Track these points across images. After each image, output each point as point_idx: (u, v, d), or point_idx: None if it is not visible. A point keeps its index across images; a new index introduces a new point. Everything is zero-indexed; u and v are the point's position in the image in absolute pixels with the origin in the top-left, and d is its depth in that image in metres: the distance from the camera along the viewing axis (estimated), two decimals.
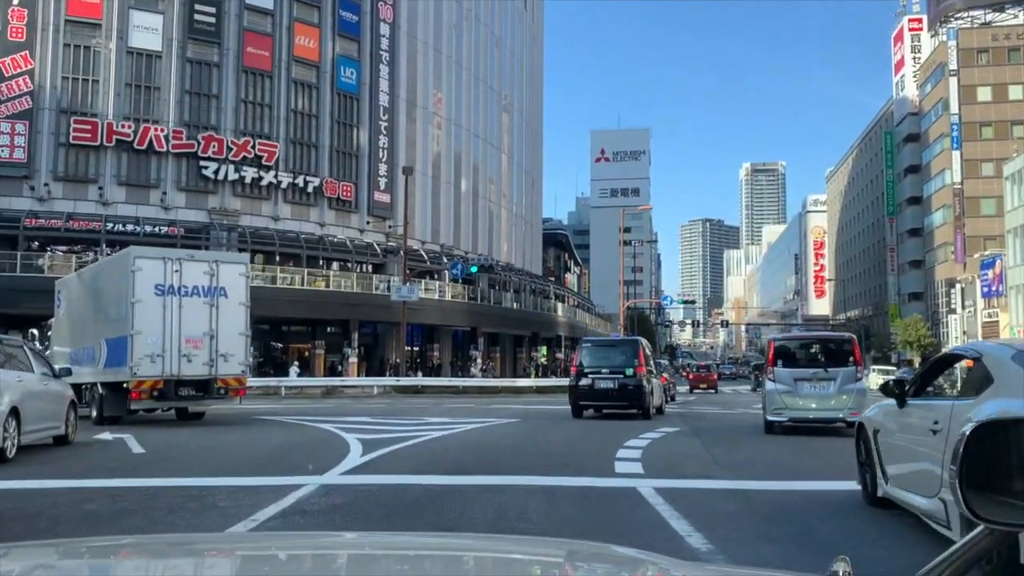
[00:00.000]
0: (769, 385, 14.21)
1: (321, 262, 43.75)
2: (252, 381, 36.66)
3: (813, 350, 15.11)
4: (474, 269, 34.30)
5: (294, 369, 38.18)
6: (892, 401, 6.15)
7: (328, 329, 43.76)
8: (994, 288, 57.08)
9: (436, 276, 49.59)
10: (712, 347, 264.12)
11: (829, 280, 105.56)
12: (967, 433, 1.28)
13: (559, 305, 64.40)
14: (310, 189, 45.55)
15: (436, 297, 46.53)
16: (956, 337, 62.91)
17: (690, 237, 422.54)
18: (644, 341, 19.66)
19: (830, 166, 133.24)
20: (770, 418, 13.99)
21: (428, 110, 53.31)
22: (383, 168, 48.61)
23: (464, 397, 32.43)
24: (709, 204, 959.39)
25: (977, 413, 4.50)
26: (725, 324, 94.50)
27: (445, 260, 49.49)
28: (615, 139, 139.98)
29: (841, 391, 13.48)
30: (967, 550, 1.27)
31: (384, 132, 49.03)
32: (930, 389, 6.30)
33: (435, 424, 16.02)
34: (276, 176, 44.18)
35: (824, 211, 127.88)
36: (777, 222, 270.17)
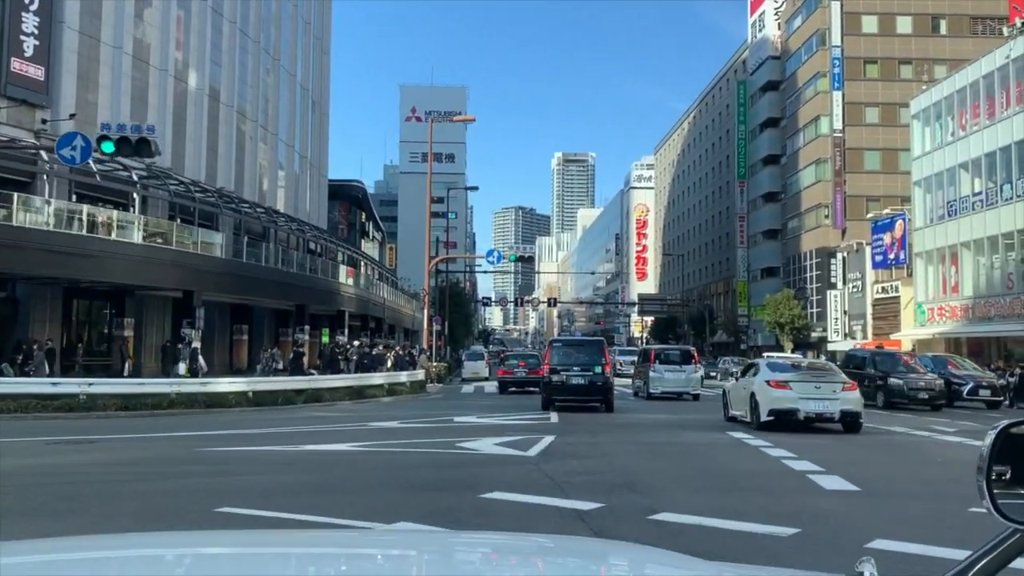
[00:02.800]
0: (652, 373, 25.89)
1: None
2: None
3: (674, 354, 27.45)
4: (108, 147, 15.32)
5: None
6: (733, 380, 18.93)
7: None
8: (891, 256, 45.82)
9: (131, 206, 30.74)
10: (524, 333, 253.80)
11: (667, 255, 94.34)
12: (993, 434, 1.25)
13: (348, 271, 46.81)
14: None
15: (116, 238, 27.59)
16: (836, 318, 51.69)
17: (503, 224, 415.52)
18: (605, 341, 23.53)
19: (635, 159, 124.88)
20: (652, 391, 25.51)
21: None
22: (32, 21, 28.77)
23: (85, 418, 14.47)
24: (521, 193, 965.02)
25: (755, 381, 15.66)
26: (553, 303, 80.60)
27: (138, 180, 30.58)
28: (428, 96, 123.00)
29: (688, 377, 26.03)
30: (996, 551, 1.23)
31: None
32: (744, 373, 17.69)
33: None
34: None
35: (650, 188, 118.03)
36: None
